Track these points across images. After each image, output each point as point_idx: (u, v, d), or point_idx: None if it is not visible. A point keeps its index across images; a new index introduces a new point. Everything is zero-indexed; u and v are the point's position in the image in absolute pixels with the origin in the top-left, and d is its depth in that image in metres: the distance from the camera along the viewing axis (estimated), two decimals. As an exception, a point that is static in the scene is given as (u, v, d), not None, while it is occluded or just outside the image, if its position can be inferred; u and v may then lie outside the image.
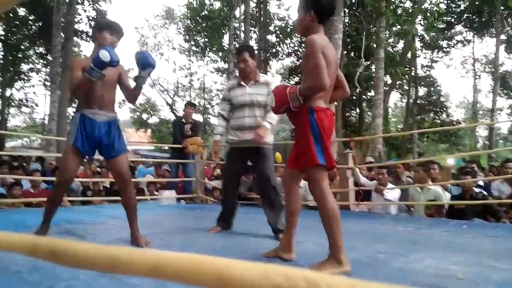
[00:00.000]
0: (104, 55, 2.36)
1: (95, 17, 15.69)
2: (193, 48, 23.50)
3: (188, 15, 20.95)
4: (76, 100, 2.81)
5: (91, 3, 16.05)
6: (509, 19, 16.37)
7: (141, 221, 2.78)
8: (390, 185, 5.16)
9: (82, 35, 16.46)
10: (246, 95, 3.20)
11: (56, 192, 2.71)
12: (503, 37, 19.11)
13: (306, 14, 2.23)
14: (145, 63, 2.60)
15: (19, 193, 5.20)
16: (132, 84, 2.73)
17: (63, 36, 11.74)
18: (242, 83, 3.25)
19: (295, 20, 2.41)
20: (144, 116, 25.46)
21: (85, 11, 15.99)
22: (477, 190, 5.02)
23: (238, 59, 3.27)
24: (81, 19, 15.86)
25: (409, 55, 16.57)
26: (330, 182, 5.55)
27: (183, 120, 6.36)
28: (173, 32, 24.25)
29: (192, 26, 21.33)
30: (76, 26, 15.08)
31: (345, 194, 5.26)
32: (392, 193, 5.09)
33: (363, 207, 5.49)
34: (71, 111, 13.41)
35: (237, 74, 3.38)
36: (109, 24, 2.71)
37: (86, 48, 23.83)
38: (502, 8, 14.21)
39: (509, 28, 16.76)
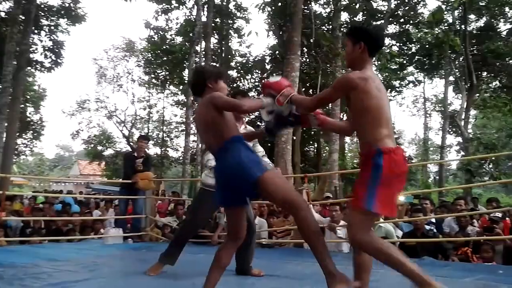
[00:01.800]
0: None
1: (57, 47, 15.36)
2: (153, 80, 23.31)
3: (149, 48, 20.89)
4: None
5: (48, 33, 15.69)
6: (456, 62, 17.47)
7: (81, 263, 2.57)
8: (342, 222, 5.14)
9: (37, 65, 15.97)
10: None
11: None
12: (451, 78, 20.33)
13: (355, 46, 2.07)
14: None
15: None
16: None
17: (15, 65, 11.30)
18: None
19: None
20: (99, 148, 24.69)
21: (41, 41, 15.60)
22: (427, 227, 5.09)
23: None
24: (36, 48, 15.44)
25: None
26: (284, 219, 5.50)
27: (135, 154, 6.15)
28: (133, 65, 23.79)
29: (152, 59, 21.24)
30: (31, 55, 14.68)
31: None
32: (345, 230, 5.07)
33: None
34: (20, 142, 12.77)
35: None
36: (222, 73, 2.57)
37: (41, 79, 23.07)
38: (450, 51, 15.18)
39: (456, 70, 17.84)
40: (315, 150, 18.46)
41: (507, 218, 5.92)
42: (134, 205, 6.02)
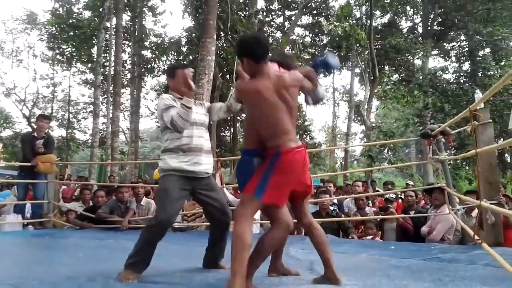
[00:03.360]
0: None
1: None
2: (58, 57, 21.59)
3: (53, 21, 19.24)
4: None
5: None
6: (362, 55, 18.65)
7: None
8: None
9: None
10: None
11: None
12: (357, 70, 21.72)
13: (243, 62, 2.30)
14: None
15: None
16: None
17: None
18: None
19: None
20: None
21: None
22: (331, 208, 5.47)
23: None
24: None
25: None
26: (194, 203, 5.50)
27: (35, 134, 5.68)
28: (35, 39, 21.81)
29: (57, 34, 19.61)
30: None
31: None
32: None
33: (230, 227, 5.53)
34: None
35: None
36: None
37: None
38: (357, 45, 16.14)
39: (362, 63, 19.06)
40: (231, 135, 18.60)
41: (400, 200, 6.59)
42: (35, 189, 5.59)
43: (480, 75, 16.32)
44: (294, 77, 2.35)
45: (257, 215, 5.20)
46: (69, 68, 22.56)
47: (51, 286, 2.30)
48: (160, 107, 2.77)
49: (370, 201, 6.26)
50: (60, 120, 24.15)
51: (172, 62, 18.81)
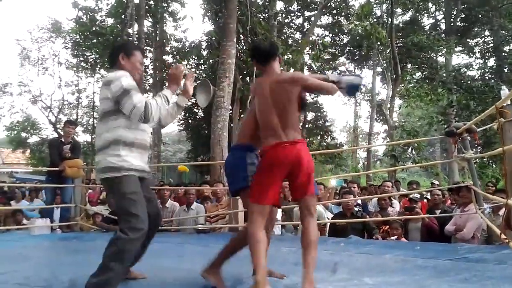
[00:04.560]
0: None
1: None
2: (82, 64, 22.09)
3: (77, 29, 19.72)
4: None
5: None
6: (383, 54, 18.42)
7: (7, 254, 2.42)
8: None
9: None
10: None
11: None
12: (379, 69, 21.46)
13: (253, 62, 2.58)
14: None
15: None
16: None
17: None
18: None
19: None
20: (23, 135, 23.06)
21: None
22: (356, 208, 5.42)
23: None
24: None
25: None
26: (217, 204, 5.55)
27: (62, 140, 5.84)
28: (60, 47, 22.36)
29: (81, 41, 20.08)
30: None
31: (235, 215, 5.25)
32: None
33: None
34: None
35: None
36: None
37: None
38: (378, 43, 15.96)
39: (383, 61, 18.84)
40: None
41: (424, 199, 6.48)
42: (62, 194, 5.74)
43: (506, 71, 15.91)
44: (291, 75, 2.46)
45: (279, 215, 5.22)
46: (93, 75, 23.03)
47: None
48: (121, 85, 2.24)
49: (395, 201, 6.19)
50: (85, 126, 24.68)
51: (193, 66, 19.05)
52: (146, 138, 2.45)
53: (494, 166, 15.87)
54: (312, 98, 22.73)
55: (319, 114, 22.73)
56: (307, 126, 20.40)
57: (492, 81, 15.50)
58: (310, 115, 21.83)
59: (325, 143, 20.67)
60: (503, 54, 16.47)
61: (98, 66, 21.85)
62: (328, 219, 5.24)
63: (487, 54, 18.82)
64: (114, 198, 2.35)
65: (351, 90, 2.59)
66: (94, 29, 18.74)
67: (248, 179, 2.36)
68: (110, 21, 19.12)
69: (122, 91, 2.21)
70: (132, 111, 2.20)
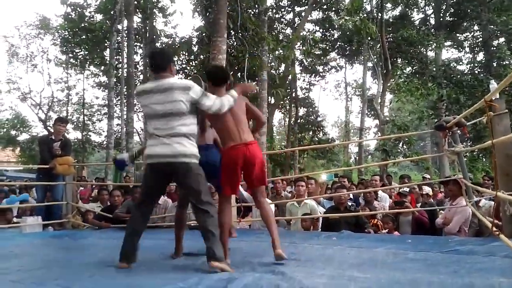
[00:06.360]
0: None
1: None
2: (72, 60, 21.89)
3: (66, 26, 19.51)
4: None
5: None
6: (374, 49, 18.48)
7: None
8: (268, 201, 5.31)
9: None
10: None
11: None
12: (369, 64, 21.53)
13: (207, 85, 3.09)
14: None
15: None
16: None
17: None
18: None
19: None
20: (12, 132, 22.83)
21: None
22: (349, 203, 5.45)
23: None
24: None
25: (290, 77, 17.69)
26: (212, 198, 5.55)
27: (52, 137, 5.79)
28: (49, 43, 22.11)
29: (70, 37, 19.88)
30: None
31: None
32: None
33: (244, 224, 5.57)
34: None
35: None
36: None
37: None
38: (368, 38, 15.99)
39: (374, 56, 18.90)
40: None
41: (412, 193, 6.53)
42: (53, 191, 5.69)
43: (495, 65, 16.03)
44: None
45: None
46: (83, 71, 22.87)
47: (71, 285, 2.35)
48: (199, 89, 2.84)
49: (385, 194, 6.24)
50: (75, 123, 24.49)
51: (184, 62, 18.96)
52: None
53: (484, 159, 16.05)
54: (304, 94, 22.81)
55: (311, 109, 22.78)
56: (298, 121, 20.45)
57: (481, 75, 15.62)
58: (302, 111, 21.89)
59: (317, 138, 20.72)
60: (492, 48, 16.60)
61: (88, 62, 21.67)
62: (320, 213, 5.26)
63: (476, 49, 18.97)
64: (189, 180, 2.75)
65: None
66: (83, 25, 18.60)
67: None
68: (99, 17, 18.96)
69: (202, 93, 2.81)
70: (211, 108, 2.81)
